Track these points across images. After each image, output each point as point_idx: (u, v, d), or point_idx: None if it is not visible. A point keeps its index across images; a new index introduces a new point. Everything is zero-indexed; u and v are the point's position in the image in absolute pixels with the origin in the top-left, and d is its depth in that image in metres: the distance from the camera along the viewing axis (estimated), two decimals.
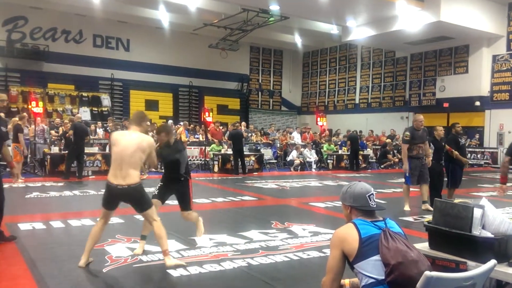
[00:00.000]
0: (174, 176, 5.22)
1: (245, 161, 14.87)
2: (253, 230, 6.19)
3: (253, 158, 15.52)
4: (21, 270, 4.35)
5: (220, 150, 15.66)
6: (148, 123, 4.77)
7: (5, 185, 4.66)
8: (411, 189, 8.44)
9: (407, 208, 8.22)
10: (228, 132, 16.78)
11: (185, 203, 5.34)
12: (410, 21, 18.57)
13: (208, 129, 17.59)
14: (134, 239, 5.55)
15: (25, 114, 12.92)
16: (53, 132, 15.24)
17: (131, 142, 4.41)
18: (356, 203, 2.47)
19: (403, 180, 12.78)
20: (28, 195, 9.05)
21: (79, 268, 4.46)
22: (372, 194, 2.47)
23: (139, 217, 7.00)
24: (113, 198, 4.49)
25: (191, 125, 20.00)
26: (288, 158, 17.22)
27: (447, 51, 22.35)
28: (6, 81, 20.94)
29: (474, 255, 2.69)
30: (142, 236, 5.12)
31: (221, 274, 4.40)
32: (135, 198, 4.46)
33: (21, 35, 21.95)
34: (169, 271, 4.42)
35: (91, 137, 15.31)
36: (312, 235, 6.06)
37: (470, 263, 2.68)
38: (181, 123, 17.77)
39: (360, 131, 21.41)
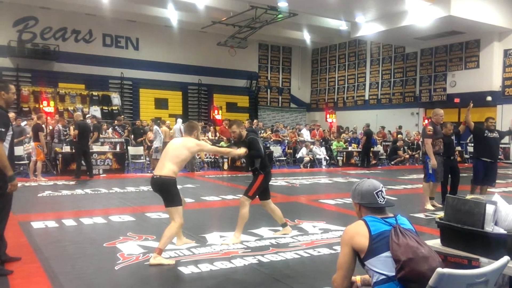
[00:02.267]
0: (252, 169, 5.58)
1: None
2: (264, 227, 6.19)
3: None
4: (34, 268, 4.41)
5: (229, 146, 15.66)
6: (199, 131, 5.18)
7: (19, 184, 4.70)
8: (419, 185, 8.31)
9: (429, 206, 7.96)
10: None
11: (247, 189, 5.58)
12: (420, 16, 18.42)
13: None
14: (146, 236, 5.59)
15: (42, 114, 13.10)
16: None
17: (177, 141, 5.14)
18: (364, 201, 2.46)
19: (414, 176, 12.67)
20: (41, 194, 9.15)
21: (92, 266, 4.51)
22: (381, 191, 2.46)
23: (150, 215, 7.07)
24: (153, 189, 4.87)
25: (201, 123, 20.06)
26: (298, 155, 17.21)
27: (458, 46, 22.13)
28: (17, 81, 21.14)
29: (487, 252, 2.67)
30: (281, 225, 5.88)
31: (231, 271, 4.42)
32: (163, 189, 4.75)
33: (31, 35, 22.16)
34: (180, 268, 4.45)
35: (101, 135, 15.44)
36: (322, 232, 6.05)
37: (482, 259, 2.65)
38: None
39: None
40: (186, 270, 4.40)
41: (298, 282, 4.16)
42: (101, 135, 15.43)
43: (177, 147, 4.87)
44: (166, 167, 4.72)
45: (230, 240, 5.42)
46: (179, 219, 4.76)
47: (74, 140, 12.23)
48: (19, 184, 4.92)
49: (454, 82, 22.24)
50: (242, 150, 5.25)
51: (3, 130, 4.13)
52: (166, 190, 4.73)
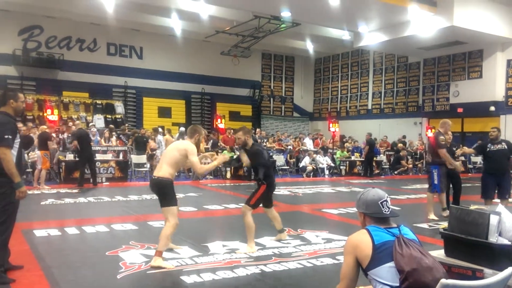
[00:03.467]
0: (256, 178, 5.71)
1: None
2: (266, 236, 6.17)
3: None
4: (37, 276, 4.41)
5: (232, 157, 15.68)
6: (201, 135, 5.31)
7: None
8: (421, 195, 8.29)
9: (432, 216, 7.94)
10: None
11: (248, 198, 5.64)
12: (423, 26, 18.46)
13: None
14: (148, 245, 5.58)
15: (50, 124, 13.21)
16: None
17: (173, 144, 5.40)
18: (368, 210, 2.46)
19: (417, 186, 12.60)
20: (44, 202, 9.16)
21: (94, 274, 4.50)
22: (386, 200, 2.45)
23: (153, 223, 7.06)
24: (151, 189, 5.10)
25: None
26: (301, 164, 17.19)
27: (461, 56, 22.16)
28: (22, 89, 21.19)
29: (491, 263, 2.66)
30: (279, 230, 5.98)
31: (234, 281, 4.40)
32: (159, 190, 4.96)
33: (36, 44, 22.32)
34: (182, 277, 4.43)
35: (104, 143, 15.48)
36: (325, 241, 6.03)
37: (486, 270, 2.64)
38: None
39: (375, 138, 21.35)
40: (188, 279, 4.39)
41: None
42: (104, 143, 15.48)
43: (171, 150, 5.15)
44: (163, 169, 4.98)
45: (245, 249, 5.43)
46: (173, 219, 4.91)
47: (77, 149, 12.27)
48: None
49: (457, 92, 22.22)
50: (226, 158, 5.48)
51: (10, 137, 4.18)
52: (162, 190, 4.96)
